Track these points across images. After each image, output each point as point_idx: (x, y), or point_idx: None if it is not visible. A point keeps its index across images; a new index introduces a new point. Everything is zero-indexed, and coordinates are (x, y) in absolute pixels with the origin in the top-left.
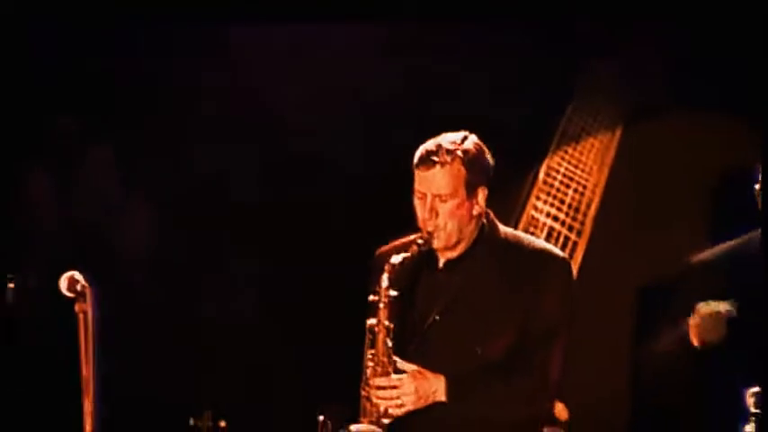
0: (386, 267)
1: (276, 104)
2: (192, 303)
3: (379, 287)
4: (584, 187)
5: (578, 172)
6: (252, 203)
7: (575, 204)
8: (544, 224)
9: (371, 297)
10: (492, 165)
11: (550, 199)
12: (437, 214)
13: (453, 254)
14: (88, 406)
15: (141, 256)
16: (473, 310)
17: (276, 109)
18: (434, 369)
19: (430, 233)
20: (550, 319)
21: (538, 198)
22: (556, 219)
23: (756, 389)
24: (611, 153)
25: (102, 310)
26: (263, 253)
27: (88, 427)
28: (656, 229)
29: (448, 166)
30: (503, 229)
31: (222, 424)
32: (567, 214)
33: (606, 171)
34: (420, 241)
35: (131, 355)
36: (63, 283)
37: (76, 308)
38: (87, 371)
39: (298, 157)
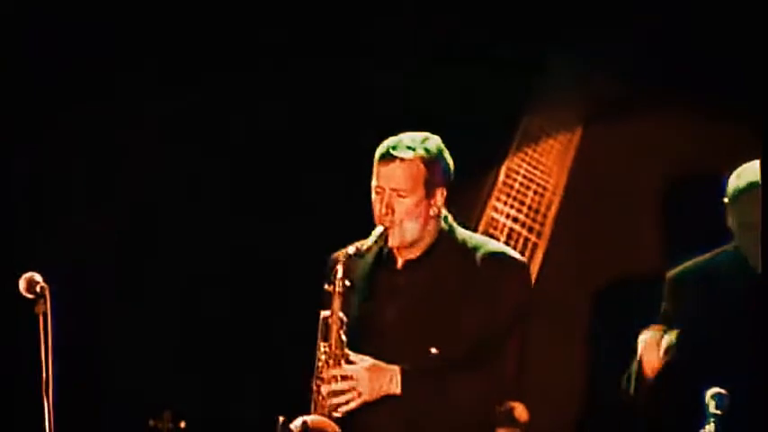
0: (340, 257)
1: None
2: (151, 303)
3: (335, 277)
4: (544, 188)
5: (538, 173)
6: (218, 201)
7: (534, 206)
8: (504, 225)
9: (326, 287)
10: (452, 167)
11: (510, 200)
12: (393, 210)
13: (412, 255)
14: (48, 406)
15: (103, 256)
16: (431, 311)
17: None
18: None
19: (386, 229)
20: (505, 319)
21: (498, 199)
22: (516, 220)
23: (716, 390)
24: (571, 154)
25: (62, 311)
26: (224, 252)
27: (48, 427)
28: (616, 230)
29: (408, 162)
30: (462, 232)
31: (182, 425)
32: (526, 216)
33: (566, 172)
34: (376, 235)
35: (91, 355)
36: (22, 284)
37: (36, 309)
38: (46, 371)
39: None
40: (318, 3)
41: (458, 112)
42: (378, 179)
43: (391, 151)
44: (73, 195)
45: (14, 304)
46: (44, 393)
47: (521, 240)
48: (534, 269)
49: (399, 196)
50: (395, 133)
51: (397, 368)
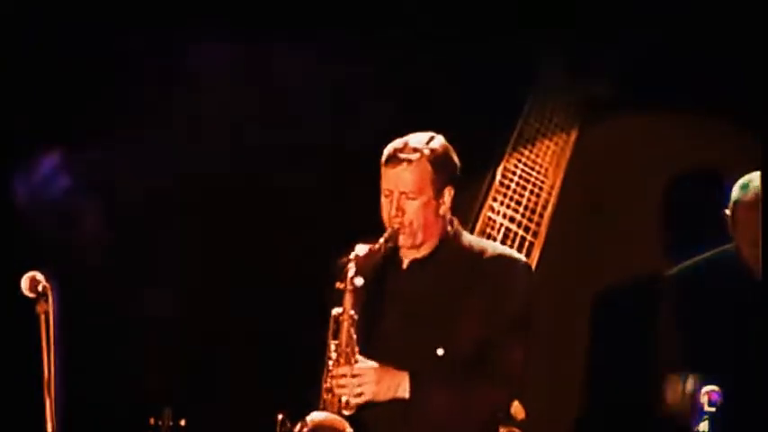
0: (351, 257)
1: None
2: (152, 301)
3: (346, 275)
4: (541, 189)
5: (534, 173)
6: (207, 201)
7: (531, 206)
8: (501, 225)
9: (338, 284)
10: (458, 165)
11: (507, 200)
12: (403, 212)
13: (417, 255)
14: (49, 406)
15: (101, 255)
16: (434, 312)
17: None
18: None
19: (396, 230)
20: (510, 320)
21: (494, 200)
22: (512, 220)
23: (710, 387)
24: (567, 154)
25: (62, 310)
26: (225, 251)
27: (49, 427)
28: (612, 231)
29: (415, 164)
30: (467, 236)
31: (182, 423)
32: (523, 215)
33: (562, 172)
34: (386, 235)
35: (92, 354)
36: (24, 283)
37: (38, 308)
38: (48, 371)
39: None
40: (315, 4)
41: (454, 112)
42: (386, 182)
43: (398, 154)
44: (72, 193)
45: (17, 303)
46: (46, 392)
47: (517, 240)
48: None
49: (408, 198)
50: (390, 135)
51: (405, 374)
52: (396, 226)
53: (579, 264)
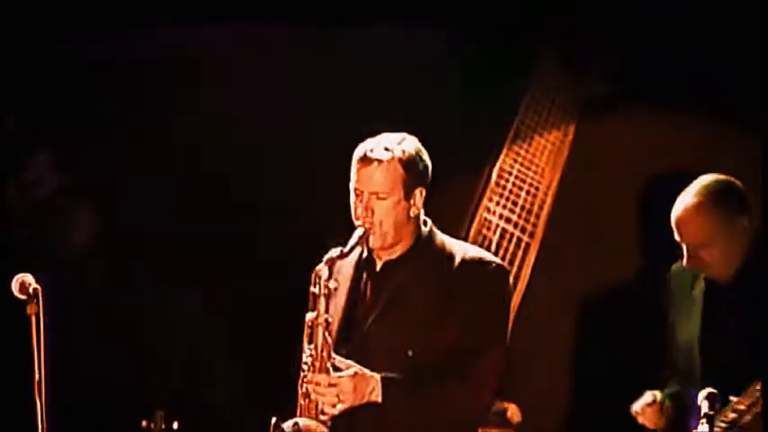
0: (324, 260)
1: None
2: (144, 304)
3: (319, 279)
4: (537, 189)
5: (531, 173)
6: (202, 202)
7: (527, 206)
8: (497, 226)
9: (312, 288)
10: (430, 167)
11: (503, 201)
12: (373, 212)
13: (391, 256)
14: (40, 408)
15: (91, 258)
16: (408, 313)
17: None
18: (370, 370)
19: (366, 230)
20: (485, 326)
21: (490, 200)
22: (508, 220)
23: (709, 390)
24: (564, 154)
25: (53, 312)
26: (216, 252)
27: (40, 429)
28: (609, 231)
29: (385, 164)
30: (441, 236)
31: (175, 425)
32: (519, 216)
33: (559, 172)
34: (356, 236)
35: (83, 356)
36: (14, 286)
37: (28, 310)
38: (39, 373)
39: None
40: (315, 3)
41: (450, 112)
42: (356, 181)
43: (368, 154)
44: (68, 196)
45: (8, 305)
46: (37, 394)
47: (513, 240)
48: (526, 269)
49: (378, 198)
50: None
51: (378, 377)
52: (366, 226)
53: (576, 265)
